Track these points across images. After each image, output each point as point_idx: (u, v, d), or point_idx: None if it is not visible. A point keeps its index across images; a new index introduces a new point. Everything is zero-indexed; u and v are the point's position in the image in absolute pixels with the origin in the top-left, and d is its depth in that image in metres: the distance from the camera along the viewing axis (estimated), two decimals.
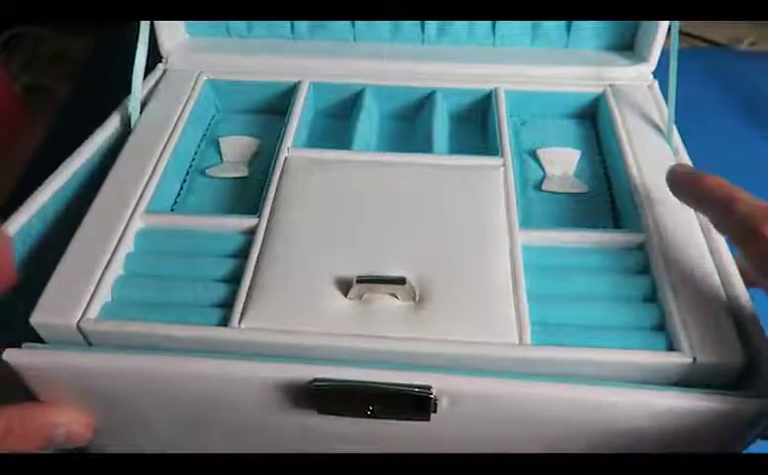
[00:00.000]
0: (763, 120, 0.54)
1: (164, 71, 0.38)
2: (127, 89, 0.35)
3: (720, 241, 0.28)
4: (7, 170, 0.45)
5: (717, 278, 0.27)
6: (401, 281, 0.26)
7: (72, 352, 0.25)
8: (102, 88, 0.37)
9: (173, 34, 0.39)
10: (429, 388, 0.24)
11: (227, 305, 0.27)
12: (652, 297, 0.27)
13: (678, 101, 0.34)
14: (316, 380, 0.24)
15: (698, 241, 0.28)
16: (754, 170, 0.50)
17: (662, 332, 0.26)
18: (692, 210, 0.29)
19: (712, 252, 0.28)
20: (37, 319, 0.26)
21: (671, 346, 0.25)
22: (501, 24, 0.39)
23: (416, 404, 0.24)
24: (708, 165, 0.32)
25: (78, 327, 0.26)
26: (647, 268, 0.28)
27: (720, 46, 0.62)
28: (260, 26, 0.40)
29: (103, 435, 0.29)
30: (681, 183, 0.28)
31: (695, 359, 0.24)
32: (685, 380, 0.25)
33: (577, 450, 0.26)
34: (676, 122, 0.34)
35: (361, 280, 0.26)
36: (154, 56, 0.38)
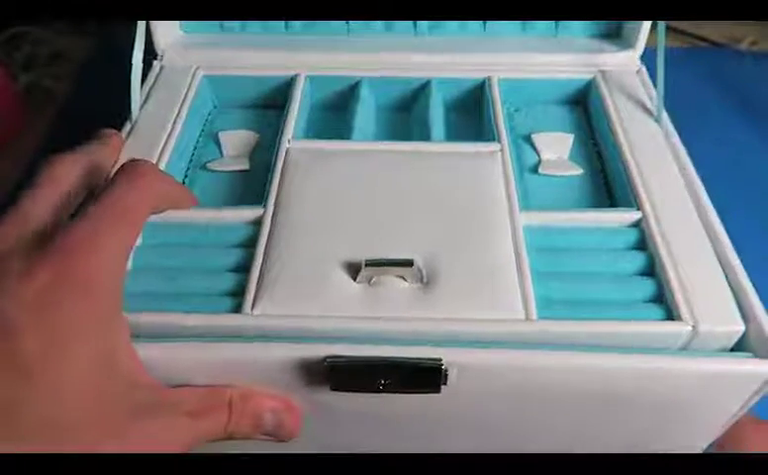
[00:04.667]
0: (763, 120, 0.55)
1: (161, 68, 0.39)
2: (126, 88, 0.35)
3: (712, 214, 0.30)
4: (7, 170, 0.44)
5: (710, 249, 0.28)
6: (408, 263, 0.26)
7: None
8: (102, 88, 0.37)
9: (168, 31, 0.40)
10: (439, 359, 0.24)
11: (238, 293, 0.27)
12: (650, 271, 0.28)
13: (678, 101, 0.35)
14: (329, 357, 0.24)
15: (691, 215, 0.30)
16: (754, 170, 0.51)
17: (661, 304, 0.27)
18: (682, 185, 0.31)
19: (704, 225, 0.29)
20: None
21: (670, 316, 0.26)
22: None
23: (426, 375, 0.25)
24: (708, 165, 0.32)
25: None
26: (644, 244, 0.29)
27: (720, 46, 0.63)
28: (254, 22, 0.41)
29: None
30: None
31: (694, 327, 0.25)
32: (685, 348, 0.26)
33: (585, 419, 0.27)
34: (675, 120, 0.35)
35: (370, 264, 0.26)
36: (152, 54, 0.38)
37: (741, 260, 0.28)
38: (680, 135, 0.34)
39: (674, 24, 0.64)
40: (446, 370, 0.25)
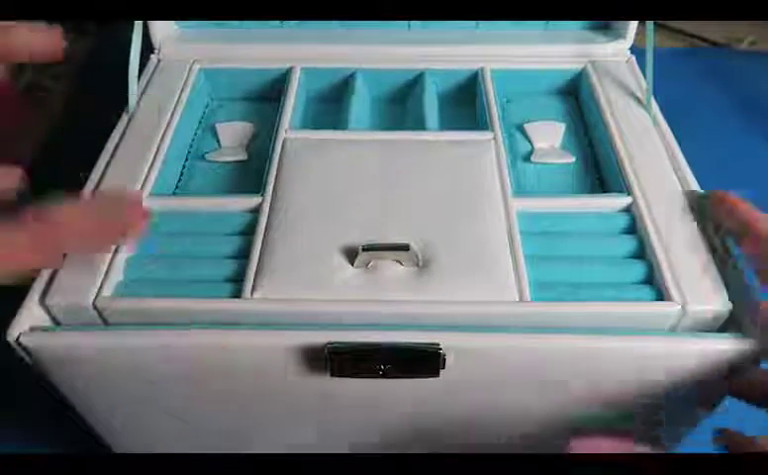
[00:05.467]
0: (763, 120, 0.55)
1: (158, 62, 0.39)
2: (125, 86, 0.35)
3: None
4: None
5: (699, 233, 0.29)
6: (404, 247, 0.27)
7: (95, 332, 0.26)
8: (102, 87, 0.38)
9: (164, 25, 0.40)
10: (437, 345, 0.25)
11: (238, 279, 0.27)
12: (640, 254, 0.29)
13: (678, 100, 0.35)
14: (330, 343, 0.25)
15: (679, 200, 0.30)
16: (754, 170, 0.51)
17: (651, 286, 0.28)
18: (671, 171, 0.32)
19: (692, 209, 0.30)
20: (51, 299, 0.26)
21: (660, 297, 0.27)
22: None
23: (425, 360, 0.25)
24: (707, 165, 0.33)
25: (94, 305, 0.26)
26: (634, 228, 0.30)
27: (720, 46, 0.63)
28: None
29: (116, 416, 0.30)
30: (718, 200, 0.30)
31: (683, 307, 0.26)
32: (674, 328, 0.27)
33: (580, 399, 0.28)
34: (675, 120, 0.35)
35: (367, 248, 0.27)
36: (149, 48, 0.39)
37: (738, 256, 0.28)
38: (680, 134, 0.34)
39: (674, 24, 0.65)
40: (444, 355, 0.25)
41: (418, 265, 0.27)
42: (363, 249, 0.27)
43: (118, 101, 0.36)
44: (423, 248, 0.28)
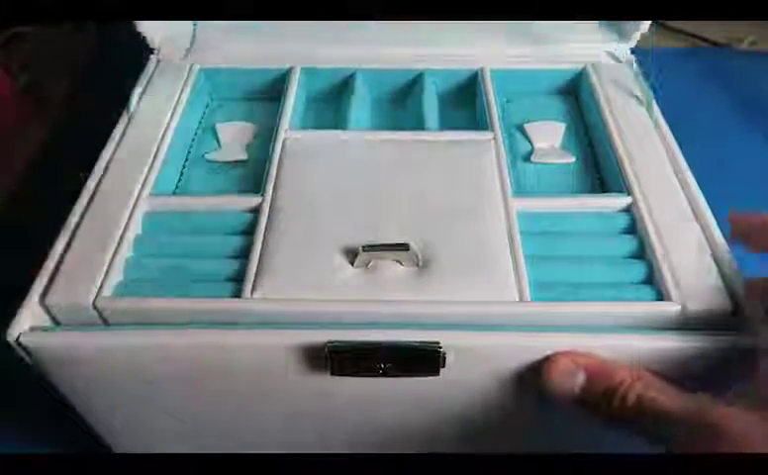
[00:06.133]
0: (763, 120, 0.55)
1: (158, 62, 0.39)
2: (125, 86, 0.35)
3: (700, 199, 0.30)
4: (7, 170, 0.45)
5: (699, 232, 0.29)
6: (404, 247, 0.27)
7: (95, 332, 0.26)
8: (102, 87, 0.38)
9: (164, 25, 0.40)
10: (437, 343, 0.25)
11: (238, 279, 0.27)
12: (640, 254, 0.29)
13: (678, 100, 0.35)
14: (330, 342, 0.25)
15: (679, 200, 0.30)
16: (754, 170, 0.51)
17: (651, 286, 0.28)
18: (671, 171, 0.32)
19: (692, 208, 0.30)
20: (51, 299, 0.26)
21: (660, 297, 0.27)
22: None
23: (425, 359, 0.25)
24: (707, 165, 0.33)
25: (94, 305, 0.26)
26: (634, 228, 0.30)
27: (721, 46, 0.63)
28: None
29: (116, 416, 0.30)
30: (743, 220, 0.29)
31: (683, 307, 0.26)
32: (675, 327, 0.27)
33: None
34: (675, 120, 0.35)
35: (367, 248, 0.27)
36: (149, 49, 0.39)
37: (738, 256, 0.28)
38: (680, 134, 0.34)
39: (674, 24, 0.65)
40: (444, 354, 0.25)
41: (418, 265, 0.28)
42: (363, 249, 0.27)
43: (118, 101, 0.36)
44: (423, 248, 0.28)
